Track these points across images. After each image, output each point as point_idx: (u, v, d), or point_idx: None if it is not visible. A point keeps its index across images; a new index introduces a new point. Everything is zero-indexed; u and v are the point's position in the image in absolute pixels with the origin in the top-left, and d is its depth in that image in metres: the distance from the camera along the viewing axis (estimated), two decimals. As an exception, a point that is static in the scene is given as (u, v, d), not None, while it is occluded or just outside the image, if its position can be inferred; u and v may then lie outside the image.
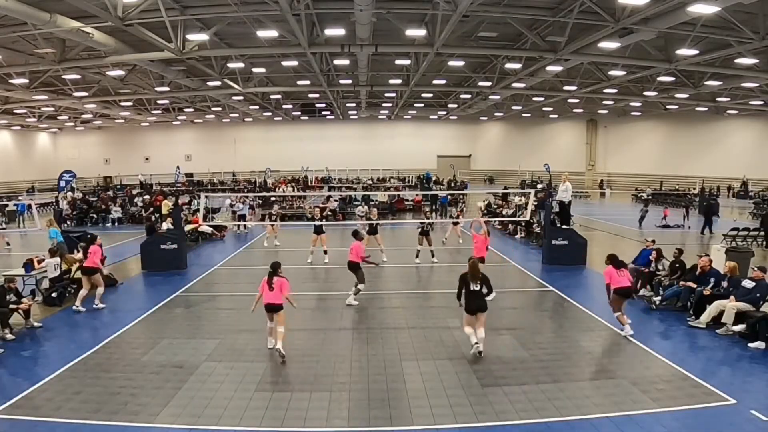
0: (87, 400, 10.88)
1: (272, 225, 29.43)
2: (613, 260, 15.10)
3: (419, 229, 24.94)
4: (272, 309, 13.20)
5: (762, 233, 28.95)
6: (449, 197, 44.60)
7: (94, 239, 18.28)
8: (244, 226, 34.78)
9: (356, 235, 18.53)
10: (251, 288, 19.85)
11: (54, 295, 17.70)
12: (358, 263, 17.72)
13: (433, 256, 24.69)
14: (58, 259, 18.62)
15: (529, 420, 9.97)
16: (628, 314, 15.15)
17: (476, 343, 12.83)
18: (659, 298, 17.32)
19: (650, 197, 56.51)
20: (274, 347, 13.21)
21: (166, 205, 31.58)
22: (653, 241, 20.22)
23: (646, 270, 19.01)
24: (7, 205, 38.93)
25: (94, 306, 16.98)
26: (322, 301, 18.67)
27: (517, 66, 37.26)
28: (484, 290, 13.01)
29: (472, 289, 12.91)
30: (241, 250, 28.89)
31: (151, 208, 35.96)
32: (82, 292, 16.99)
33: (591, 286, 20.85)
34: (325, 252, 24.74)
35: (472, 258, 14.20)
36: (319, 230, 24.95)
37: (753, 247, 26.61)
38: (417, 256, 24.69)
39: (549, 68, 35.87)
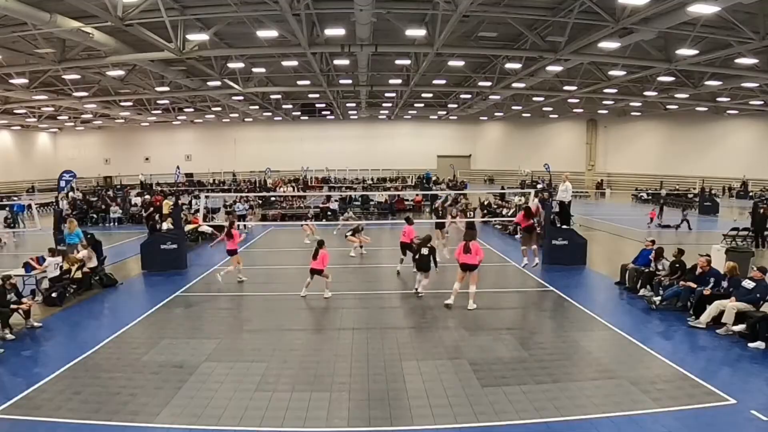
0: (87, 400, 10.88)
1: (308, 224, 29.88)
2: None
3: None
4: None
5: (752, 233, 28.84)
6: (449, 197, 44.74)
7: (94, 239, 18.30)
8: (244, 225, 34.77)
9: (408, 220, 22.55)
10: (252, 288, 20.03)
11: (54, 295, 17.58)
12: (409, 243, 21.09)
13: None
14: (59, 259, 18.63)
15: (529, 420, 9.98)
16: (629, 314, 15.13)
17: (417, 290, 18.57)
18: (659, 298, 17.29)
19: (651, 197, 56.78)
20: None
21: (167, 205, 31.47)
22: (653, 242, 20.19)
23: (646, 270, 19.01)
24: (7, 205, 38.86)
25: None
26: (321, 300, 18.46)
27: (517, 66, 37.30)
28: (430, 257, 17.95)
29: (421, 253, 17.97)
30: (241, 250, 28.76)
31: (152, 208, 35.86)
32: None
33: (591, 286, 20.94)
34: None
35: (428, 234, 19.40)
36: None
37: (752, 246, 26.62)
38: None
39: (549, 68, 35.88)
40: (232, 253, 20.49)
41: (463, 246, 17.07)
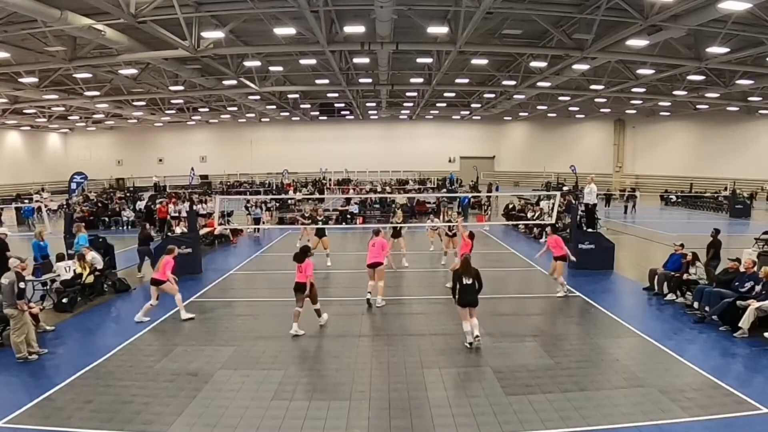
0: (99, 409, 10.86)
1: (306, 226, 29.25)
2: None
3: (448, 231, 24.92)
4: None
5: None
6: (472, 199, 44.76)
7: (106, 243, 18.36)
8: (258, 229, 34.94)
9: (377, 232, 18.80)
10: (268, 293, 20.06)
11: (65, 300, 17.65)
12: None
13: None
14: (70, 262, 18.77)
15: (555, 429, 9.93)
16: (658, 320, 15.02)
17: (476, 336, 13.94)
18: (697, 304, 17.08)
19: (679, 199, 56.50)
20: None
21: (184, 209, 31.42)
22: (682, 245, 20.04)
23: (677, 275, 18.85)
24: (20, 208, 39.07)
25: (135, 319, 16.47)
26: (341, 306, 18.52)
27: (543, 64, 37.26)
28: (476, 285, 13.94)
29: (464, 283, 13.75)
30: (258, 254, 28.92)
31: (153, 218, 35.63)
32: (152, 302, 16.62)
33: (618, 292, 20.87)
34: (328, 255, 24.85)
35: (465, 254, 16.01)
36: (320, 233, 25.02)
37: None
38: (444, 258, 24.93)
39: (575, 67, 35.71)
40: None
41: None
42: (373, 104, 62.59)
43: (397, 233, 25.32)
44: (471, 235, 19.69)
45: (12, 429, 10.03)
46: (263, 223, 36.63)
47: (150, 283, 16.23)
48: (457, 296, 13.90)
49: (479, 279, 13.94)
